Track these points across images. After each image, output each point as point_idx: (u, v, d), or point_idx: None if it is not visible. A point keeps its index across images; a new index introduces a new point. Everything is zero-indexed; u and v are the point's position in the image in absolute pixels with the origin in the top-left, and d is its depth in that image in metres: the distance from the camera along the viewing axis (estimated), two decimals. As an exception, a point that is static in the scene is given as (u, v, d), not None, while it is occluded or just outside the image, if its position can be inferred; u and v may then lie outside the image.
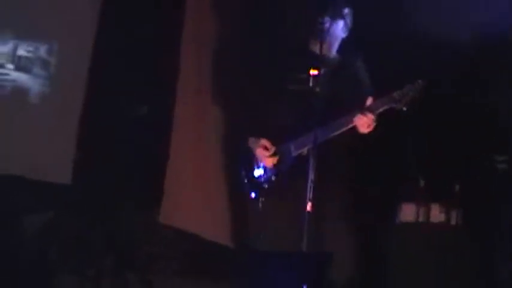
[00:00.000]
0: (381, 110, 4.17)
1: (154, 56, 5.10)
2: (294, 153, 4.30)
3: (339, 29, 4.46)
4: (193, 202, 5.02)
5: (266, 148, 4.33)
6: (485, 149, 5.00)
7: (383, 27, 5.03)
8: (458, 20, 5.06)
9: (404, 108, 4.12)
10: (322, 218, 4.20)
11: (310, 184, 3.87)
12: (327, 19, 4.29)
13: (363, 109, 4.15)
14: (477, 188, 5.02)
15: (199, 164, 5.04)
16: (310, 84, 4.09)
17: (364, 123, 4.15)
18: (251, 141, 4.43)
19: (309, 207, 3.85)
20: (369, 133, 4.18)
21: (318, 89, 4.04)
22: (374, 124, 4.16)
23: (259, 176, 4.38)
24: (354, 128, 4.19)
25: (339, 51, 4.54)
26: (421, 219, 4.96)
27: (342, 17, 4.44)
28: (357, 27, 4.63)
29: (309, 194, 3.86)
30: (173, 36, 5.07)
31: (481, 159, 5.01)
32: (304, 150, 4.21)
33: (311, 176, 3.88)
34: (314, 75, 4.08)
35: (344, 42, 4.56)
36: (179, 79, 5.06)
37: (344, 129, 4.21)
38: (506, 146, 4.94)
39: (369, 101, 4.23)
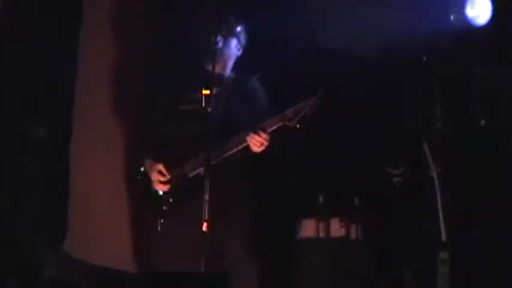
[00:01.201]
0: (273, 128, 4.17)
1: (52, 76, 4.99)
2: (190, 174, 4.28)
3: (232, 48, 4.47)
4: (93, 227, 4.92)
5: (161, 173, 4.30)
6: (381, 163, 5.08)
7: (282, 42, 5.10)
8: (360, 35, 5.16)
9: (298, 126, 4.14)
10: (221, 238, 4.20)
11: (205, 204, 3.85)
12: (219, 38, 4.28)
13: (255, 128, 4.15)
14: (376, 201, 5.10)
15: (99, 188, 4.95)
16: (203, 104, 4.08)
17: (256, 142, 4.15)
18: (147, 164, 4.39)
19: (204, 227, 3.82)
20: (263, 151, 4.19)
21: (209, 109, 4.03)
22: (267, 143, 4.17)
23: (158, 198, 4.35)
24: (248, 147, 4.20)
25: (234, 69, 4.55)
26: (321, 234, 5.00)
27: (235, 35, 4.45)
28: (255, 44, 4.68)
29: (205, 214, 3.84)
30: (70, 54, 5.00)
31: (377, 173, 5.09)
32: (201, 171, 4.18)
33: (206, 196, 3.86)
34: (206, 95, 4.08)
35: (239, 61, 4.57)
36: (75, 99, 4.97)
37: (237, 148, 4.21)
38: (400, 160, 5.04)
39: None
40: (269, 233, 4.90)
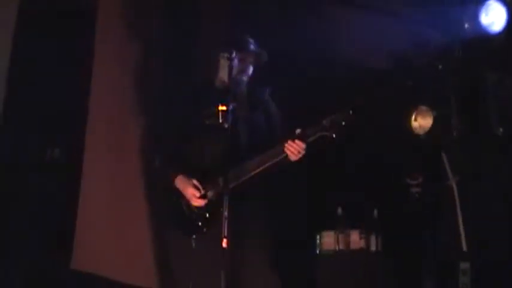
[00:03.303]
0: (312, 138, 4.13)
1: (65, 96, 5.00)
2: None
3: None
4: (110, 246, 4.90)
5: (197, 188, 4.28)
6: (399, 174, 5.07)
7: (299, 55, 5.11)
8: (373, 45, 5.17)
9: (334, 136, 4.11)
10: (242, 252, 4.19)
11: (224, 221, 3.84)
12: (234, 54, 4.28)
13: (293, 137, 4.11)
14: (394, 212, 5.09)
15: (115, 207, 4.94)
16: (220, 120, 4.08)
17: (294, 150, 4.11)
18: (179, 180, 4.36)
19: (224, 243, 3.81)
20: (299, 161, 4.14)
21: (226, 125, 4.03)
22: (304, 152, 4.12)
23: (193, 213, 4.32)
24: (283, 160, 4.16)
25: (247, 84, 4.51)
26: (341, 246, 4.99)
27: (249, 50, 4.45)
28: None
29: (224, 231, 3.82)
30: (83, 77, 5.01)
31: (396, 184, 5.07)
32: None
33: (225, 213, 3.85)
34: (222, 111, 4.07)
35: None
36: (89, 119, 4.98)
37: (278, 159, 4.15)
38: (418, 170, 5.03)
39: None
40: (289, 245, 4.90)
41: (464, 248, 4.68)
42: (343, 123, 4.10)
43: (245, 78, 4.46)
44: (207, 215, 4.23)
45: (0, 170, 4.76)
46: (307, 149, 4.12)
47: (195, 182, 4.25)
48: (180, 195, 4.29)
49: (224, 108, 4.06)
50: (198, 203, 4.24)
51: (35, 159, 4.88)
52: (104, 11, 5.10)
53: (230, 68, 4.22)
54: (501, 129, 4.99)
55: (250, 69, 4.47)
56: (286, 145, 4.12)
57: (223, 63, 4.24)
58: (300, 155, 4.14)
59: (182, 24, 5.24)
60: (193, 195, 4.24)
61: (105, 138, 4.99)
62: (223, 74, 4.25)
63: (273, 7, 5.26)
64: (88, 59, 4.99)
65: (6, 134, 4.86)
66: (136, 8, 5.19)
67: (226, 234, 3.80)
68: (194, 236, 4.21)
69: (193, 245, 4.21)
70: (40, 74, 4.96)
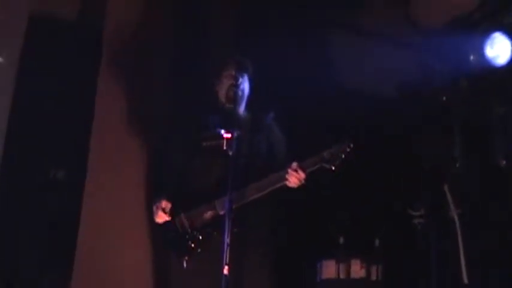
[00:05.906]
0: (311, 169, 4.20)
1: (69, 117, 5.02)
2: (221, 212, 4.21)
3: (247, 84, 4.48)
4: (110, 268, 4.90)
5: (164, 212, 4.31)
6: (402, 205, 5.07)
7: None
8: (380, 75, 5.19)
9: (333, 168, 4.17)
10: (243, 279, 4.19)
11: (226, 247, 3.84)
12: (240, 79, 4.33)
13: (296, 167, 4.17)
14: (396, 243, 5.09)
15: (116, 229, 4.94)
16: (224, 147, 4.09)
17: (295, 179, 4.17)
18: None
19: (225, 270, 3.81)
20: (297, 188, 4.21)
21: (230, 153, 4.04)
22: (304, 182, 4.19)
23: (186, 234, 4.31)
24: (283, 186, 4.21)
25: (247, 108, 4.54)
26: (342, 275, 4.99)
27: (247, 71, 4.47)
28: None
29: (226, 257, 3.82)
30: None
31: (398, 214, 5.08)
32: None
33: (227, 239, 3.85)
34: (227, 139, 4.09)
35: (252, 99, 4.55)
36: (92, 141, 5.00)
37: (277, 185, 4.21)
38: (421, 201, 5.03)
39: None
40: (289, 273, 4.89)
41: (466, 280, 4.67)
42: (343, 155, 4.15)
43: (245, 100, 4.48)
44: (200, 237, 4.26)
45: (4, 191, 4.81)
46: (306, 179, 4.19)
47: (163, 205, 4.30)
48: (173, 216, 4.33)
49: (229, 135, 4.09)
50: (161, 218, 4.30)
51: (39, 180, 4.91)
52: (111, 31, 5.16)
53: (237, 95, 4.29)
54: (504, 162, 4.99)
55: (248, 89, 4.49)
56: (286, 175, 4.17)
57: (225, 82, 4.36)
58: (299, 184, 4.19)
59: (190, 47, 5.28)
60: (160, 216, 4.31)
61: (108, 160, 5.02)
62: (233, 101, 4.30)
63: (283, 34, 5.30)
64: (92, 81, 5.02)
65: (11, 154, 4.90)
66: (144, 30, 5.24)
67: (227, 261, 3.82)
68: (186, 258, 4.24)
69: (185, 265, 4.24)
70: (44, 96, 5.01)
